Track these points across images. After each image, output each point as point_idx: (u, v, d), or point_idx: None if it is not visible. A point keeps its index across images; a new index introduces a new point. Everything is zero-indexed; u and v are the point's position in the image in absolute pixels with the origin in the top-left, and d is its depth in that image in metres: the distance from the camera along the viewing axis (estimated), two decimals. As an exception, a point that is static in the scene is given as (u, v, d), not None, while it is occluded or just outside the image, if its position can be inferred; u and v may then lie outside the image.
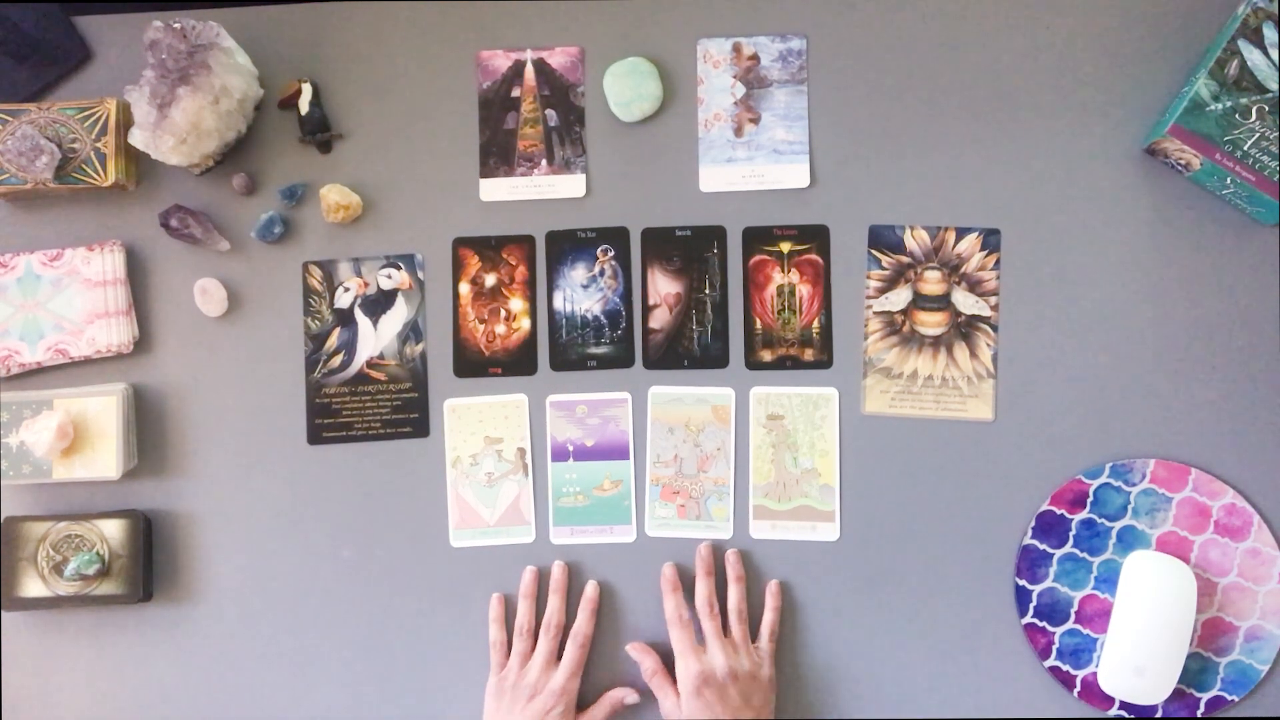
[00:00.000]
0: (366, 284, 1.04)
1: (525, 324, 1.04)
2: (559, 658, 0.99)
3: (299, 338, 1.04)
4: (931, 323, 1.02)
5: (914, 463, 1.01)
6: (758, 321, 1.03)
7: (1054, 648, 0.99)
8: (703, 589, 0.99)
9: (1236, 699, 0.98)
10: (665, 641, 1.00)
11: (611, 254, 1.04)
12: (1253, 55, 0.97)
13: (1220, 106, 0.97)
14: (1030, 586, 1.00)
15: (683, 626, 0.97)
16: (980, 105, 1.03)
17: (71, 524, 1.00)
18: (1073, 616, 1.00)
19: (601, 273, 1.04)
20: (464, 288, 1.04)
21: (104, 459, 1.00)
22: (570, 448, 1.03)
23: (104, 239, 1.04)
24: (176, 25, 0.97)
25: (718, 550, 1.01)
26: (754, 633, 0.99)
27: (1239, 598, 0.99)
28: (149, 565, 1.02)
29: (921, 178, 1.03)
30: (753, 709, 0.94)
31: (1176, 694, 0.97)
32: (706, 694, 0.93)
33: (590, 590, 1.01)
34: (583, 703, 0.99)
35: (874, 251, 1.03)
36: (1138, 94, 1.03)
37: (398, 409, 1.03)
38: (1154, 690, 0.96)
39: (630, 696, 0.99)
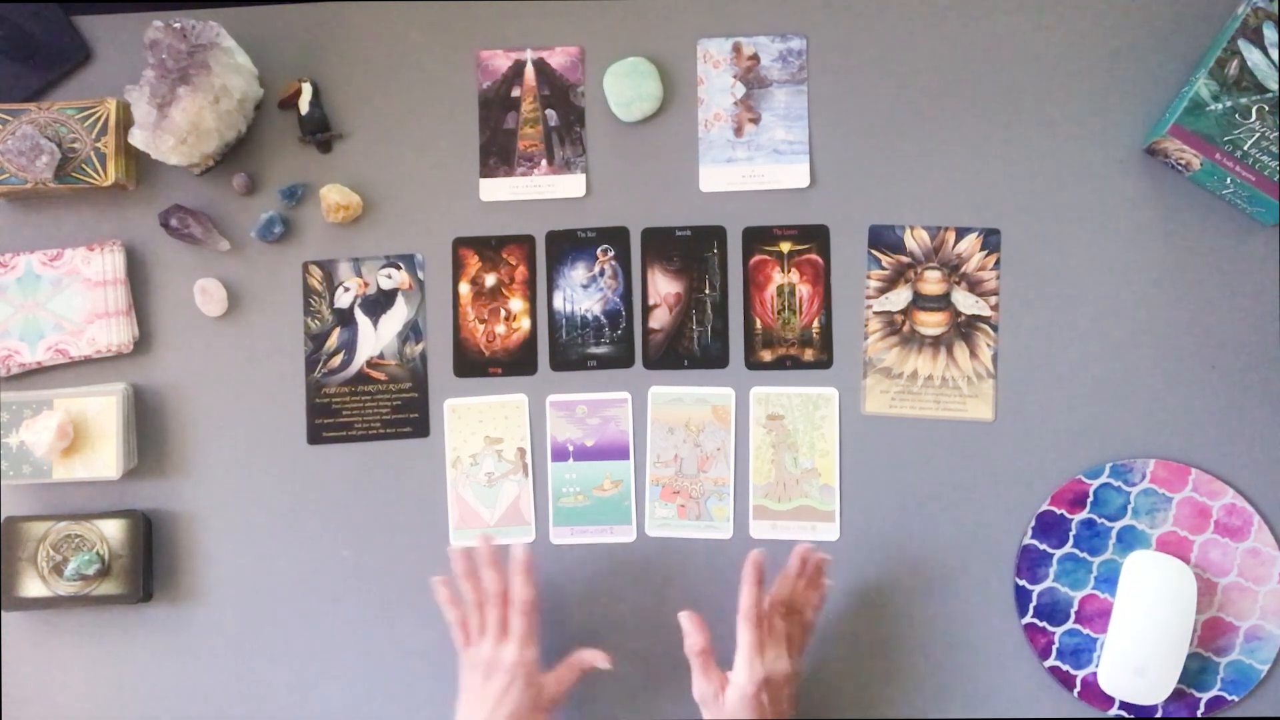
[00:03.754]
0: (366, 284, 1.04)
1: (525, 324, 1.04)
2: (509, 630, 0.93)
3: (299, 338, 1.04)
4: (931, 323, 1.02)
5: (914, 463, 1.01)
6: (758, 321, 1.03)
7: (1054, 648, 0.99)
8: (785, 589, 0.95)
9: (1236, 699, 0.98)
10: (664, 643, 1.00)
11: (611, 254, 1.04)
12: (1253, 55, 0.97)
13: (1220, 106, 0.97)
14: (1030, 586, 1.00)
15: (757, 624, 0.91)
16: (980, 105, 1.03)
17: (71, 524, 1.00)
18: (1073, 616, 1.00)
19: (601, 273, 1.04)
20: (464, 288, 1.04)
21: (104, 459, 1.00)
22: (570, 448, 1.03)
23: (104, 239, 1.04)
24: (176, 25, 0.97)
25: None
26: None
27: (1239, 598, 0.99)
28: (149, 565, 1.02)
29: (921, 178, 1.03)
30: (793, 709, 0.92)
31: (1176, 694, 0.97)
32: (763, 698, 0.90)
33: (519, 553, 0.94)
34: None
35: (874, 251, 1.03)
36: (1138, 94, 1.03)
37: (398, 409, 1.03)
38: (1154, 690, 0.96)
39: (601, 661, 0.94)
